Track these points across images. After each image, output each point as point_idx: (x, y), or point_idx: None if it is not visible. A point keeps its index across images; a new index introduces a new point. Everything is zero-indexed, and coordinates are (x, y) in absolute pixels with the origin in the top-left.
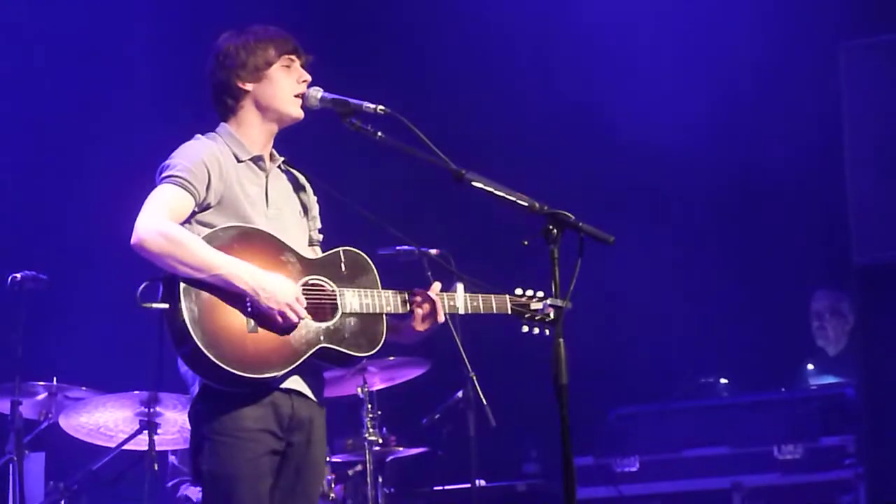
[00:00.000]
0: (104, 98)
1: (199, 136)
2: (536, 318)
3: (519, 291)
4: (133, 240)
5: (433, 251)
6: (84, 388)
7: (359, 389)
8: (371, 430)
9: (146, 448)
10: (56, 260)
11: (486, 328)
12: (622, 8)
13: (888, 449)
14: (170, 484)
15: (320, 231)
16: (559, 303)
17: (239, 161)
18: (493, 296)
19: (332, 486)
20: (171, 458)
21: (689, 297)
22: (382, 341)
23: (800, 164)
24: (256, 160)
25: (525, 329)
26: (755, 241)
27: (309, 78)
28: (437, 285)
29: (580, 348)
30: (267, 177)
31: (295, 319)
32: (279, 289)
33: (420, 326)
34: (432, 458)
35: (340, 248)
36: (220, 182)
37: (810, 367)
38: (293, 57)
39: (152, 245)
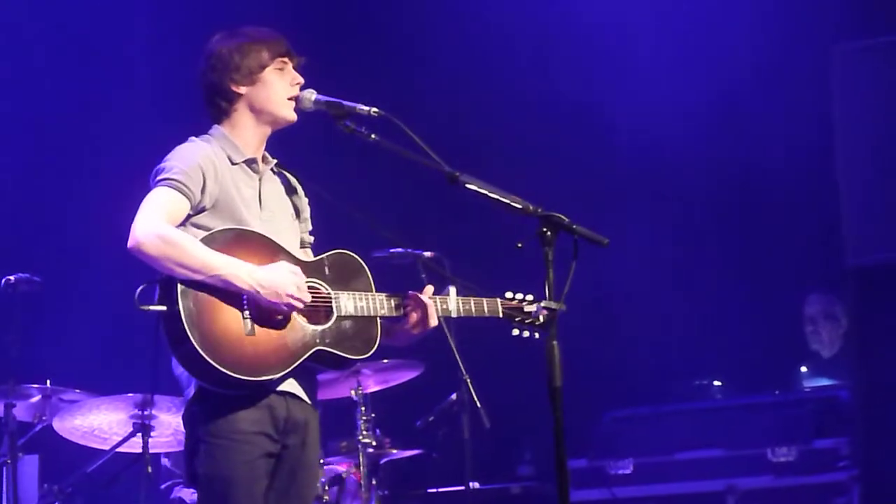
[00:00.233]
0: (101, 99)
1: (193, 138)
2: (527, 321)
3: (509, 295)
4: (130, 243)
5: (427, 253)
6: (78, 391)
7: (353, 392)
8: (365, 433)
9: (140, 451)
10: (50, 262)
11: (480, 330)
12: (620, 9)
13: (882, 452)
14: (163, 486)
15: (311, 233)
16: (553, 305)
17: (233, 163)
18: (484, 299)
19: (327, 488)
20: (165, 461)
21: (683, 299)
22: (377, 344)
23: (794, 166)
24: (250, 162)
25: (515, 332)
26: (750, 244)
27: (302, 80)
28: (429, 288)
29: (574, 351)
30: (260, 179)
31: (300, 306)
32: (279, 281)
33: (414, 329)
34: (426, 460)
35: (335, 251)
36: (216, 185)
37: (804, 369)
38: (286, 59)
39: (149, 248)
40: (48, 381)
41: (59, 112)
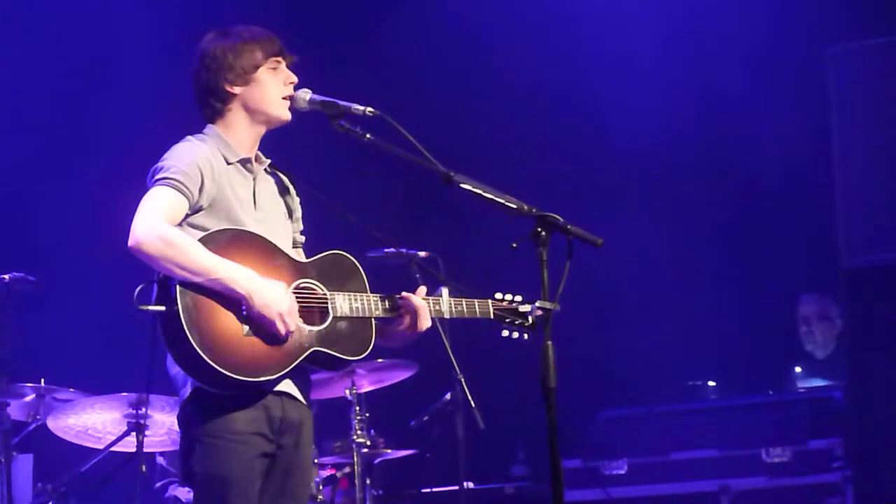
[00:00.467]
0: (96, 98)
1: (189, 137)
2: (516, 322)
3: (499, 296)
4: (130, 242)
5: (421, 253)
6: (72, 390)
7: (347, 391)
8: (359, 433)
9: (134, 450)
10: (44, 261)
11: (474, 330)
12: (616, 10)
13: (876, 452)
14: (158, 485)
15: (303, 233)
16: (548, 305)
17: (228, 163)
18: (476, 301)
19: (321, 487)
20: (160, 460)
21: (677, 299)
22: (372, 345)
23: (789, 167)
24: (244, 162)
25: (505, 333)
26: (744, 244)
27: (296, 79)
28: (422, 290)
29: (568, 351)
30: (255, 179)
31: (284, 331)
32: (274, 298)
33: (407, 331)
34: (420, 460)
35: (330, 252)
36: (213, 184)
37: (798, 370)
38: (279, 58)
39: (150, 248)
40: (42, 380)
41: (49, 113)
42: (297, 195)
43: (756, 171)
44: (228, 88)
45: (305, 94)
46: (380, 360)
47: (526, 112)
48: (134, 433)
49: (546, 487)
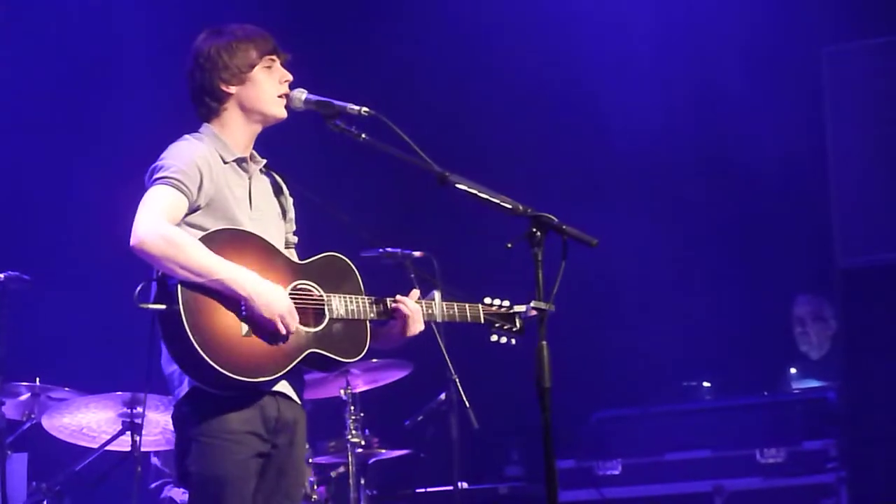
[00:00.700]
0: (95, 99)
1: (186, 136)
2: (505, 327)
3: (488, 300)
4: (132, 241)
5: (416, 253)
6: (67, 389)
7: (342, 391)
8: (354, 432)
9: (129, 449)
10: (39, 261)
11: (468, 330)
12: (613, 10)
13: (870, 453)
14: (153, 486)
15: (295, 234)
16: (542, 306)
17: (224, 162)
18: (467, 305)
19: (315, 487)
20: (154, 460)
21: (672, 300)
22: (367, 347)
23: (784, 167)
24: (240, 161)
25: (494, 338)
26: (739, 245)
27: (291, 77)
28: (415, 293)
29: (563, 351)
30: (250, 178)
31: (284, 332)
32: (274, 299)
33: (401, 334)
34: (415, 460)
35: (326, 253)
36: (211, 184)
37: (793, 370)
38: (274, 57)
39: (152, 247)
40: (37, 379)
41: (44, 111)
42: (291, 195)
43: (752, 171)
44: (224, 88)
45: (301, 94)
46: (374, 361)
47: (525, 112)
48: (129, 432)
49: (540, 488)
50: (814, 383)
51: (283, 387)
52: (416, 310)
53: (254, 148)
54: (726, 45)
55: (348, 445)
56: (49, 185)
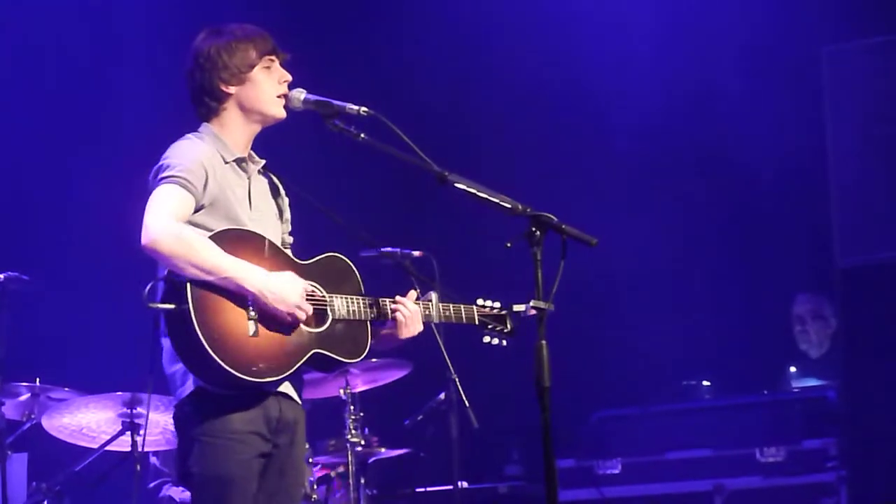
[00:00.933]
0: (95, 98)
1: (188, 135)
2: (497, 328)
3: (480, 302)
4: (144, 240)
5: (416, 253)
6: (67, 389)
7: (341, 391)
8: (353, 432)
9: (128, 449)
10: (39, 261)
11: (467, 330)
12: (612, 8)
13: (870, 452)
14: (152, 485)
15: (291, 234)
16: (542, 305)
17: (225, 162)
18: (462, 306)
19: (315, 487)
20: (153, 460)
21: (671, 299)
22: (368, 347)
23: (784, 166)
24: (239, 161)
25: (486, 339)
26: (739, 244)
27: (290, 77)
28: (412, 294)
29: (563, 350)
30: (249, 179)
31: (303, 317)
32: (287, 290)
33: (400, 334)
34: (414, 459)
35: (328, 254)
36: (215, 183)
37: (793, 369)
38: (273, 57)
39: (164, 246)
40: (37, 379)
41: (43, 112)
42: (287, 196)
43: (752, 171)
44: (223, 88)
45: (300, 94)
46: (374, 360)
47: (525, 112)
48: (129, 432)
49: (540, 487)
50: (814, 382)
51: (285, 387)
52: (415, 311)
53: (252, 148)
54: (726, 45)
55: (348, 445)
56: (49, 185)
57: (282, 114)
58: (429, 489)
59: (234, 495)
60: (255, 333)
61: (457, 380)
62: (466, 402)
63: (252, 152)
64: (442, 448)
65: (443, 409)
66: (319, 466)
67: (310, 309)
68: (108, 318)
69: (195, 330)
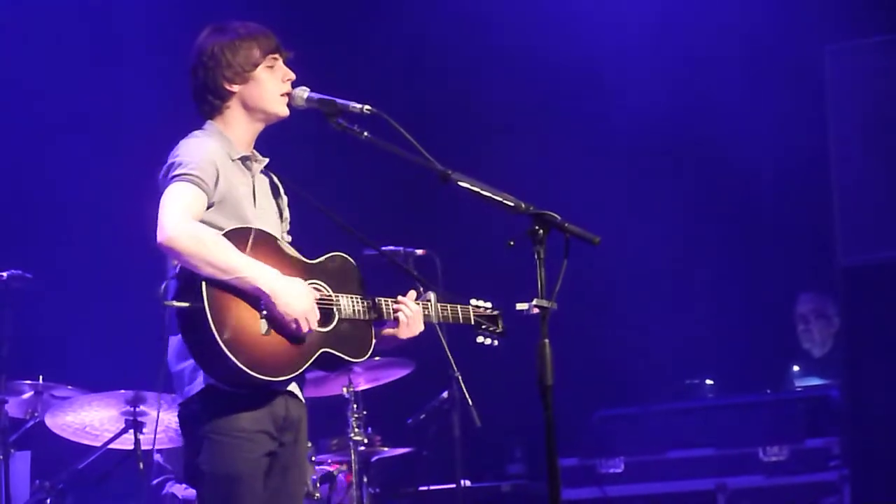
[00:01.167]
0: (95, 98)
1: (196, 133)
2: (490, 329)
3: (474, 302)
4: (160, 238)
5: (418, 251)
6: (70, 387)
7: (344, 389)
8: (356, 430)
9: (132, 447)
10: (42, 259)
11: (467, 328)
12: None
13: (873, 451)
14: (155, 482)
15: (289, 233)
16: (545, 303)
17: (231, 160)
18: (459, 306)
19: (318, 485)
20: (157, 457)
21: (674, 298)
22: (373, 347)
23: (786, 165)
24: (244, 160)
25: (480, 339)
26: (742, 243)
27: (293, 76)
28: (412, 294)
29: (565, 349)
30: (253, 177)
31: (307, 329)
32: (296, 297)
33: (401, 334)
34: (417, 458)
35: (332, 253)
36: (224, 181)
37: (796, 368)
38: (276, 55)
39: (180, 245)
40: (40, 378)
41: (45, 110)
42: (286, 195)
43: (753, 170)
44: (227, 86)
45: (303, 93)
46: (377, 359)
47: (527, 111)
48: (132, 430)
49: (543, 486)
50: (816, 381)
51: (291, 385)
52: (417, 311)
53: (255, 145)
54: (727, 44)
55: (351, 444)
56: (51, 184)
57: (285, 112)
58: (432, 488)
59: (243, 494)
60: (268, 332)
61: (460, 378)
62: (469, 401)
63: (255, 151)
64: (445, 446)
65: (445, 408)
66: (329, 461)
67: (314, 323)
68: (111, 315)
69: (210, 328)
